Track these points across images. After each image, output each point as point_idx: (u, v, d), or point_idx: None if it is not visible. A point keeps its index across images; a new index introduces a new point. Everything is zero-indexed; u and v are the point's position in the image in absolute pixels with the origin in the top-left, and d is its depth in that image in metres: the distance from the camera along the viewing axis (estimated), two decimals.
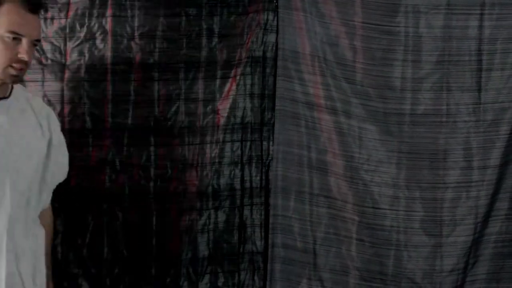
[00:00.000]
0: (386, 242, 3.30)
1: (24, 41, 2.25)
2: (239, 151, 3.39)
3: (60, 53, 3.23)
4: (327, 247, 3.36)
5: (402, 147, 3.29)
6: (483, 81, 3.29)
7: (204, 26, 3.31)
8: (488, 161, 3.31)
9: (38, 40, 2.32)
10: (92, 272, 3.28)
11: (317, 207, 3.34)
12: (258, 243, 3.43)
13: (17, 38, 2.24)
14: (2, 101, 2.33)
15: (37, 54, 3.21)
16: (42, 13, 2.12)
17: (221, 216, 3.39)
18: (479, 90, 3.30)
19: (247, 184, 3.42)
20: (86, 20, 3.23)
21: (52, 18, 3.20)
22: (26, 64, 2.27)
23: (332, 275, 3.36)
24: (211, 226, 3.38)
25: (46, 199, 2.59)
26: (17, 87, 2.45)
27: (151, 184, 3.31)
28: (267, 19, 3.34)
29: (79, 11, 3.21)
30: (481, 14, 3.27)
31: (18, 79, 2.31)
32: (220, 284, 3.42)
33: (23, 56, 2.25)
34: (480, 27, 3.28)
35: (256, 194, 3.43)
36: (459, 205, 3.31)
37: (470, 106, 3.30)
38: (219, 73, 3.34)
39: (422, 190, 3.30)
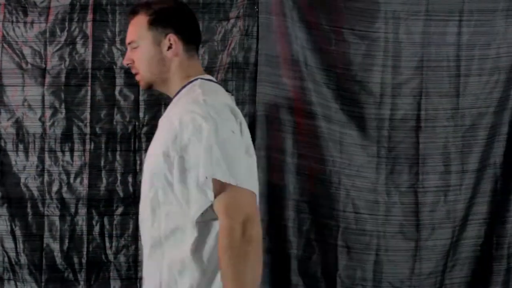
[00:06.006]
0: (366, 247, 3.32)
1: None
2: None
3: (40, 57, 3.21)
4: (308, 253, 3.36)
5: (381, 152, 3.31)
6: (461, 87, 3.32)
7: None
8: (466, 165, 3.34)
9: (130, 43, 2.11)
10: (74, 276, 3.27)
11: (298, 212, 3.34)
12: None
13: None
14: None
15: (17, 59, 3.18)
16: (133, 17, 2.02)
17: None
18: (457, 96, 3.33)
19: None
20: (67, 25, 3.21)
21: (32, 22, 3.18)
22: (132, 67, 2.13)
23: (313, 281, 3.37)
24: None
25: None
26: (189, 92, 2.08)
27: (133, 188, 3.30)
28: (248, 25, 3.34)
29: (59, 16, 3.19)
30: (460, 20, 3.30)
31: (139, 82, 2.13)
32: None
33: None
34: (459, 33, 3.31)
35: None
36: (437, 209, 3.33)
37: (449, 111, 3.33)
38: None
39: (401, 194, 3.33)
